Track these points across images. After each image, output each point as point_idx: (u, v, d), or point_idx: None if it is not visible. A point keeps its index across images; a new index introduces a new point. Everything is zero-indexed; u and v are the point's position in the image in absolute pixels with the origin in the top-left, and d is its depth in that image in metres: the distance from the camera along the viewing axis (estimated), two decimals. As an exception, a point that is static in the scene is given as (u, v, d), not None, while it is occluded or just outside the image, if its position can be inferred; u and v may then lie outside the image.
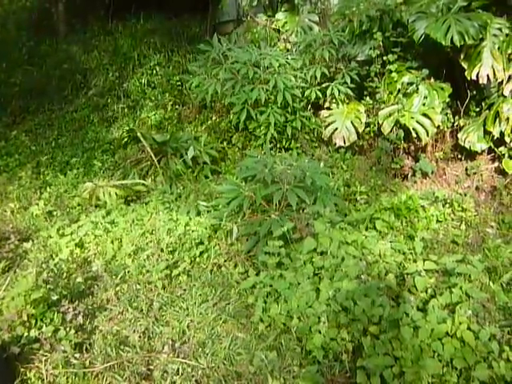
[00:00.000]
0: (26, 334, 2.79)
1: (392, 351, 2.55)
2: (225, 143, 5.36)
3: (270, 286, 3.04)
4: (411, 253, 3.28)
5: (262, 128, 4.97)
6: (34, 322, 2.86)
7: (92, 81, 7.06)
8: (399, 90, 4.98)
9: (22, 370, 2.64)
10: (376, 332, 2.64)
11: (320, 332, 2.71)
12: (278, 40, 6.03)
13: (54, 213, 4.49)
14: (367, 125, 5.15)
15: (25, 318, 2.84)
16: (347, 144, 5.15)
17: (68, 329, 2.82)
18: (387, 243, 3.39)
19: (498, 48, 4.65)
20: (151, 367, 2.67)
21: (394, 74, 4.99)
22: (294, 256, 3.15)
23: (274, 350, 2.72)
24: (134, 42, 7.64)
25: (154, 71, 6.94)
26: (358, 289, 2.79)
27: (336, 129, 5.16)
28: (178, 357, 2.73)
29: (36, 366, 2.67)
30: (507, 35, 4.67)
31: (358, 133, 5.14)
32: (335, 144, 5.17)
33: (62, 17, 8.35)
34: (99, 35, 7.96)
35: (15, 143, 6.05)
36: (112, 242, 3.73)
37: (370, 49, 5.11)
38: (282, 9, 6.27)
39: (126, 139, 5.34)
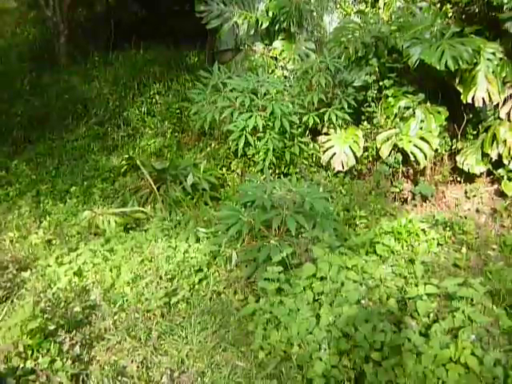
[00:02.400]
0: (22, 365, 2.74)
1: (395, 378, 2.50)
2: (224, 169, 5.38)
3: (270, 312, 3.00)
4: (412, 277, 3.24)
5: (260, 154, 5.00)
6: (30, 352, 2.82)
7: (92, 110, 7.15)
8: (396, 115, 5.03)
9: (17, 402, 2.58)
10: (378, 358, 2.59)
11: (321, 359, 2.66)
12: (276, 67, 6.12)
13: (53, 241, 4.47)
14: (365, 149, 5.18)
15: (21, 349, 2.80)
16: (346, 168, 5.17)
17: (65, 359, 2.78)
18: (388, 267, 3.36)
19: (493, 72, 4.71)
20: (149, 398, 2.61)
21: (390, 99, 5.05)
22: (293, 282, 3.12)
23: (274, 379, 2.67)
24: (133, 71, 7.76)
25: (154, 100, 7.04)
26: (358, 314, 2.75)
27: (334, 154, 5.19)
28: (176, 387, 2.67)
29: (31, 399, 2.61)
30: (501, 59, 4.75)
31: (356, 157, 5.17)
32: (334, 169, 5.19)
33: (63, 48, 8.51)
34: (100, 65, 8.10)
35: (15, 172, 6.08)
36: (111, 270, 3.70)
37: (366, 74, 5.19)
38: (279, 37, 6.37)
39: (125, 167, 5.36)
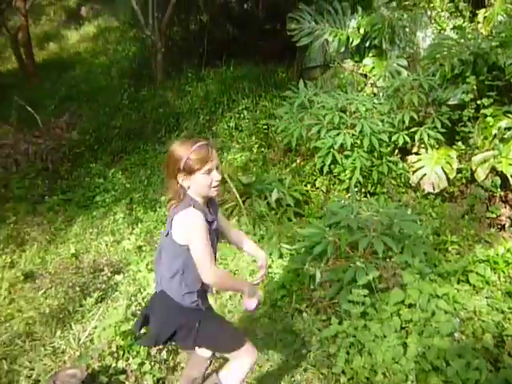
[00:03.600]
0: (113, 364, 2.91)
1: (490, 421, 2.32)
2: (309, 186, 5.37)
3: (354, 336, 2.92)
4: (511, 312, 3.01)
5: (346, 172, 4.93)
6: (121, 353, 2.98)
7: (184, 124, 7.49)
8: (495, 135, 4.73)
9: (109, 400, 2.74)
10: (471, 398, 2.43)
11: (407, 391, 2.54)
12: (365, 85, 6.04)
13: (144, 248, 4.71)
14: (459, 171, 4.92)
15: (114, 349, 2.97)
16: (437, 190, 4.94)
17: (152, 363, 2.90)
18: (483, 299, 3.16)
19: None
20: (230, 411, 2.63)
21: (489, 119, 4.77)
22: (379, 307, 3.02)
23: (356, 406, 2.59)
24: (223, 87, 8.03)
25: (242, 115, 7.22)
26: (450, 348, 2.60)
27: (425, 174, 4.98)
28: (256, 403, 2.68)
29: (121, 398, 2.76)
30: None
31: (448, 179, 4.93)
32: (424, 190, 4.98)
33: (159, 65, 9.03)
34: (192, 81, 8.48)
35: (112, 180, 6.49)
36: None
37: (463, 93, 4.95)
38: (370, 54, 6.30)
39: (213, 180, 5.53)
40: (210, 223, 2.14)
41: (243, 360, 2.29)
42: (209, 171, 2.09)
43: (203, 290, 2.24)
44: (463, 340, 2.69)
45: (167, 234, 2.17)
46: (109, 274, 4.13)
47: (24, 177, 6.47)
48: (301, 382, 2.83)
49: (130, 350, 2.99)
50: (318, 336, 3.15)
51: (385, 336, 2.80)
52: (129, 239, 4.89)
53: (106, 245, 4.87)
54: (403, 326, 2.86)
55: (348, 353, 2.88)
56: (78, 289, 3.88)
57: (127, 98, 8.37)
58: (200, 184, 2.09)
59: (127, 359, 2.94)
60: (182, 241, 2.10)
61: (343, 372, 2.81)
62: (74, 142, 7.25)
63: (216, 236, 2.28)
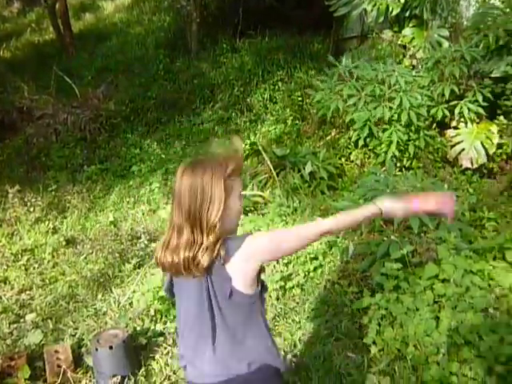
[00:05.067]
0: (152, 327, 3.05)
1: (521, 396, 2.33)
2: (343, 159, 5.33)
3: (386, 308, 2.95)
4: (548, 290, 2.96)
5: (382, 146, 4.86)
6: (159, 317, 3.11)
7: (218, 95, 7.50)
8: (540, 110, 4.56)
9: (148, 360, 2.88)
10: (503, 372, 2.43)
11: (438, 364, 2.57)
12: (404, 56, 5.87)
13: (179, 217, 4.82)
14: (499, 146, 4.78)
15: (152, 313, 3.11)
16: (475, 166, 4.82)
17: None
18: (519, 277, 3.10)
19: None
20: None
21: (534, 93, 4.58)
22: (412, 281, 3.03)
23: (387, 376, 2.64)
24: (258, 58, 7.96)
25: (277, 87, 7.16)
26: (484, 323, 2.60)
27: (463, 149, 4.86)
28: (289, 370, 2.77)
29: (159, 358, 2.90)
30: None
31: (487, 154, 4.79)
32: (461, 165, 4.87)
33: (194, 36, 8.98)
34: (227, 53, 8.43)
35: (148, 151, 6.60)
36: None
37: (507, 65, 4.75)
38: (410, 24, 6.08)
39: (247, 151, 5.57)
40: None
41: None
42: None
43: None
44: (497, 316, 2.68)
45: (230, 294, 1.56)
46: (146, 242, 4.26)
47: (63, 146, 6.66)
48: (332, 350, 2.89)
49: (167, 314, 3.13)
50: (350, 307, 3.19)
51: (417, 309, 2.82)
52: (164, 208, 5.02)
53: (143, 213, 5.02)
54: (436, 300, 2.86)
55: (379, 324, 2.91)
56: (117, 255, 4.03)
57: (162, 69, 8.40)
58: (239, 211, 1.67)
59: (165, 323, 3.08)
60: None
61: (374, 343, 2.85)
62: (111, 112, 7.37)
63: None
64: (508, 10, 5.07)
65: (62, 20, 10.23)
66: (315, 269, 3.58)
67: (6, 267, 3.92)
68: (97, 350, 2.61)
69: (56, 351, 2.78)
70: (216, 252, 1.51)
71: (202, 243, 1.52)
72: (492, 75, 4.93)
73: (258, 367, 1.59)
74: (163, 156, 6.43)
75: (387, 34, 6.28)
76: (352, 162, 5.27)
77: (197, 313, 1.59)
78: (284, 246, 1.60)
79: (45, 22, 12.26)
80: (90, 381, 2.67)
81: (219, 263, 1.52)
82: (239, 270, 1.54)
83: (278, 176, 4.98)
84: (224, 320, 1.56)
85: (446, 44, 5.63)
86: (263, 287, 1.67)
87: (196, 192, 1.52)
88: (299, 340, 2.99)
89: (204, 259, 1.51)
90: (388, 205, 1.66)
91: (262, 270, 1.62)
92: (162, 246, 1.62)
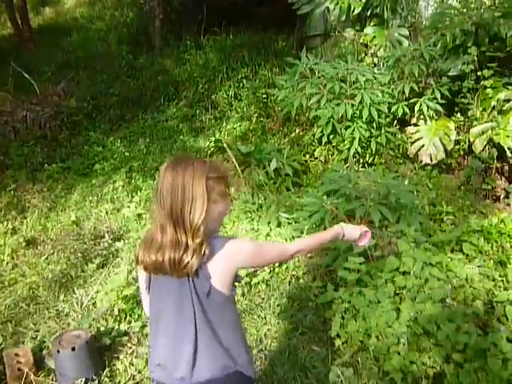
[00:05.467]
0: (116, 327, 3.01)
1: (477, 382, 2.43)
2: (307, 156, 5.40)
3: (349, 302, 3.01)
4: (502, 280, 3.09)
5: (345, 142, 4.95)
6: (123, 316, 3.08)
7: (183, 92, 7.43)
8: (494, 107, 4.74)
9: (112, 360, 2.84)
10: (460, 360, 2.53)
11: (399, 354, 2.65)
12: (366, 55, 5.99)
13: (144, 215, 4.77)
14: (457, 142, 4.94)
15: (116, 313, 3.07)
16: (434, 162, 4.98)
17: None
18: (475, 268, 3.23)
19: None
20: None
21: (488, 90, 4.76)
22: (374, 274, 3.11)
23: (350, 367, 2.70)
24: (223, 55, 7.94)
25: (241, 84, 7.16)
26: (442, 313, 2.69)
27: (423, 145, 5.01)
28: (254, 363, 2.79)
29: (124, 358, 2.86)
30: None
31: (446, 150, 4.95)
32: (421, 161, 5.02)
33: (158, 32, 8.88)
34: (191, 49, 8.36)
35: (111, 149, 6.48)
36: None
37: (464, 64, 4.92)
38: (371, 23, 6.21)
39: (212, 149, 5.56)
40: None
41: None
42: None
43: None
44: (454, 306, 2.77)
45: (208, 292, 1.55)
46: (109, 241, 4.20)
47: (23, 144, 6.46)
48: (297, 344, 2.93)
49: (131, 313, 3.09)
50: (315, 302, 3.25)
51: (379, 302, 2.89)
52: (128, 207, 4.95)
53: (106, 212, 4.94)
54: (397, 292, 2.95)
55: (343, 317, 2.97)
56: (79, 255, 3.96)
57: (125, 65, 8.27)
58: (223, 212, 1.65)
59: (129, 322, 3.05)
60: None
61: (338, 335, 2.91)
62: (72, 109, 7.20)
63: None
64: (464, 10, 5.24)
65: (19, 14, 9.92)
66: (280, 265, 3.61)
67: (-38, 270, 3.79)
68: (58, 351, 2.55)
69: (16, 354, 2.70)
70: (203, 253, 1.50)
71: (187, 245, 1.50)
72: (449, 73, 5.10)
73: (231, 372, 1.59)
74: (127, 154, 6.33)
75: (349, 33, 6.39)
76: (316, 158, 5.34)
77: (176, 310, 1.56)
78: (267, 258, 1.70)
79: (1, 16, 11.84)
80: (53, 384, 2.62)
81: (202, 261, 1.52)
82: (219, 270, 1.54)
83: (243, 173, 5.00)
84: (204, 318, 1.55)
85: (405, 43, 5.79)
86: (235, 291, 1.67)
87: (177, 191, 1.49)
88: (265, 335, 3.02)
89: (193, 263, 1.49)
90: (348, 229, 1.99)
91: (236, 274, 1.61)
92: (144, 243, 1.59)
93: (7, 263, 3.93)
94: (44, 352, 2.87)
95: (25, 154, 6.25)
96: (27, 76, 7.60)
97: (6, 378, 2.61)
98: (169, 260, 1.50)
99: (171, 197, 1.50)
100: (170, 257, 1.50)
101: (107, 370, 2.72)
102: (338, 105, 4.92)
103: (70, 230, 4.44)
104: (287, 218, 4.14)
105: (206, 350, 1.56)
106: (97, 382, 2.63)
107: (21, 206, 5.04)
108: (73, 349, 2.54)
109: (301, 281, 3.52)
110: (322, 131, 5.07)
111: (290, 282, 3.51)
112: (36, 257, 4.01)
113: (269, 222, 4.13)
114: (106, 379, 2.66)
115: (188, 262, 1.49)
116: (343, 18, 6.30)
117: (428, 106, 4.94)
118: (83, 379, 2.56)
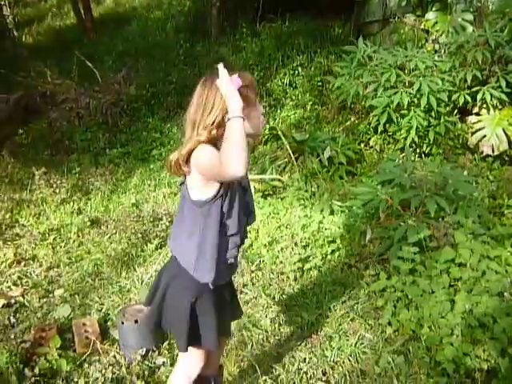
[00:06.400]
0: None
1: (533, 377, 2.38)
2: (362, 145, 5.35)
3: (402, 291, 3.01)
4: None
5: (402, 131, 4.87)
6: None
7: (238, 80, 7.52)
8: None
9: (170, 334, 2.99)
10: (516, 355, 2.48)
11: (452, 345, 2.62)
12: (427, 41, 5.82)
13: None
14: (522, 133, 4.75)
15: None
16: (496, 153, 4.81)
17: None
18: (536, 263, 3.12)
19: None
20: (280, 351, 2.84)
21: (558, 78, 4.53)
22: (429, 264, 3.08)
23: (401, 355, 2.71)
24: (278, 43, 7.94)
25: (297, 71, 7.16)
26: (498, 306, 2.64)
27: (484, 136, 4.85)
28: (305, 346, 2.86)
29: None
30: None
31: (509, 141, 4.77)
32: (482, 152, 4.86)
33: (214, 20, 8.99)
34: (247, 37, 8.42)
35: (168, 135, 6.69)
36: (250, 232, 3.99)
37: (532, 50, 4.70)
38: (433, 8, 6.02)
39: (267, 136, 5.62)
40: None
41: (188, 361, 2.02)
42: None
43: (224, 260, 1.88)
44: (512, 300, 2.71)
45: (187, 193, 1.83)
46: (167, 223, 4.36)
47: (86, 130, 6.79)
48: (348, 330, 2.97)
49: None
50: (367, 289, 3.26)
51: (433, 292, 2.87)
52: (184, 191, 5.10)
53: (164, 196, 5.12)
54: (452, 283, 2.91)
55: (395, 306, 2.98)
56: (139, 235, 4.15)
57: (182, 54, 8.45)
58: (257, 118, 1.82)
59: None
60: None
61: (389, 323, 2.92)
62: (132, 96, 7.46)
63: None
64: (534, -7, 4.98)
65: (82, 4, 10.33)
66: (333, 251, 3.64)
67: (34, 245, 4.07)
68: (123, 323, 2.73)
69: (84, 324, 2.91)
70: (194, 147, 1.70)
71: (191, 137, 1.73)
72: (516, 61, 4.88)
73: (181, 262, 1.86)
74: (183, 140, 6.48)
75: (410, 18, 6.23)
76: (371, 147, 5.29)
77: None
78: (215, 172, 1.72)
79: (65, 6, 12.39)
80: (118, 352, 2.80)
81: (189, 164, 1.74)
82: (192, 173, 1.76)
83: (296, 161, 5.04)
84: (183, 213, 1.85)
85: (469, 28, 5.57)
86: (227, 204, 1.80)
87: (201, 100, 1.73)
88: (316, 319, 3.07)
89: (185, 150, 1.72)
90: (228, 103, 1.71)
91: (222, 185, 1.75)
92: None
93: (74, 241, 4.18)
94: (109, 323, 3.06)
95: (88, 139, 6.58)
96: (90, 65, 7.94)
97: (74, 345, 2.82)
98: (173, 158, 1.79)
99: (196, 104, 1.75)
100: (176, 154, 1.78)
101: (166, 342, 2.88)
102: (394, 93, 4.83)
103: (130, 212, 4.65)
104: (340, 206, 4.15)
105: (177, 236, 1.91)
106: (157, 352, 2.79)
107: (85, 188, 5.32)
108: (136, 321, 2.71)
109: (353, 269, 3.53)
110: (377, 120, 5.01)
111: (342, 270, 3.53)
112: (100, 236, 4.25)
113: (322, 210, 4.16)
114: (165, 351, 2.81)
115: (182, 149, 1.74)
116: (404, 2, 6.15)
117: (492, 95, 4.76)
118: (144, 350, 2.72)
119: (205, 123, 1.71)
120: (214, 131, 1.70)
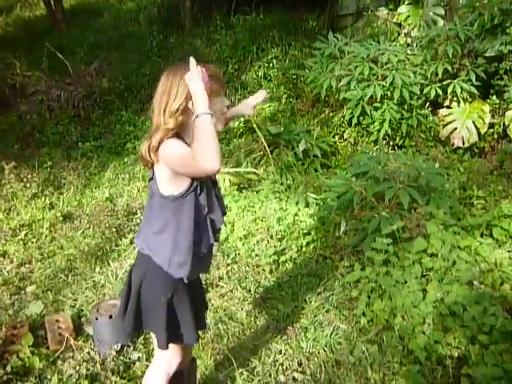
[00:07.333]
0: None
1: (502, 363, 2.45)
2: (336, 138, 5.39)
3: (375, 281, 3.06)
4: (532, 265, 3.08)
5: (375, 124, 4.92)
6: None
7: (213, 72, 7.46)
8: (531, 90, 4.62)
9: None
10: (485, 342, 2.55)
11: (424, 333, 2.69)
12: (399, 35, 5.89)
13: (174, 194, 4.87)
14: (491, 126, 4.86)
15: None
16: (466, 145, 4.91)
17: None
18: (505, 252, 3.23)
19: None
20: (256, 343, 2.85)
21: (526, 72, 4.64)
22: (402, 255, 3.13)
23: (375, 344, 2.76)
24: (253, 35, 7.91)
25: (271, 64, 7.15)
26: (468, 295, 2.71)
27: (455, 128, 4.94)
28: (281, 338, 2.88)
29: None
30: None
31: (479, 134, 4.88)
32: (453, 145, 4.96)
33: (188, 12, 8.88)
34: (221, 29, 8.36)
35: (142, 128, 6.58)
36: (225, 225, 3.98)
37: (501, 44, 4.79)
38: (406, 2, 6.09)
39: (241, 129, 5.61)
40: None
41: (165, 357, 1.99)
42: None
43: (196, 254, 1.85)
44: (482, 288, 2.79)
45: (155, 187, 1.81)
46: (141, 217, 4.32)
47: (57, 123, 6.63)
48: (323, 321, 3.00)
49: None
50: (341, 281, 3.30)
51: (405, 282, 2.93)
52: (160, 185, 5.05)
53: (138, 190, 5.07)
54: (424, 273, 2.97)
55: (369, 297, 3.02)
56: (113, 230, 4.10)
57: (156, 46, 8.34)
58: (219, 109, 1.85)
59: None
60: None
61: (364, 314, 2.97)
62: (104, 89, 7.33)
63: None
64: (503, -12, 5.08)
65: (53, -6, 10.05)
66: (308, 244, 3.67)
67: (4, 241, 3.97)
68: (97, 319, 2.69)
69: (57, 320, 2.87)
70: (164, 136, 1.68)
71: (158, 127, 1.71)
72: (486, 54, 4.98)
73: (148, 255, 1.84)
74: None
75: (382, 12, 6.29)
76: (345, 140, 5.34)
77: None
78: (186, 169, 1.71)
79: (35, -4, 12.05)
80: (92, 349, 2.76)
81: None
82: (158, 166, 1.74)
83: (271, 153, 5.04)
84: (152, 210, 1.84)
85: (440, 22, 5.66)
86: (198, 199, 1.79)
87: (165, 87, 1.75)
88: (292, 311, 3.10)
89: (155, 139, 1.68)
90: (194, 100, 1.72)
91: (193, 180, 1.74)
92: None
93: (46, 236, 4.10)
94: (83, 319, 3.02)
95: (60, 133, 6.44)
96: (61, 56, 7.75)
97: (47, 342, 2.77)
98: (144, 148, 1.74)
99: (160, 93, 1.76)
100: (146, 144, 1.73)
101: (141, 337, 2.86)
102: (368, 86, 4.88)
103: (104, 206, 4.58)
104: (315, 199, 4.18)
105: (147, 234, 1.86)
106: (132, 347, 2.77)
107: (57, 183, 5.22)
108: (110, 317, 2.68)
109: (328, 260, 3.57)
110: (351, 113, 5.05)
111: (317, 261, 3.57)
112: (73, 231, 4.18)
113: (297, 203, 4.18)
114: (141, 346, 2.79)
115: (152, 141, 1.70)
116: (376, -4, 6.20)
117: (462, 88, 4.85)
118: (119, 345, 2.70)
119: (170, 110, 1.72)
120: (181, 118, 1.72)
